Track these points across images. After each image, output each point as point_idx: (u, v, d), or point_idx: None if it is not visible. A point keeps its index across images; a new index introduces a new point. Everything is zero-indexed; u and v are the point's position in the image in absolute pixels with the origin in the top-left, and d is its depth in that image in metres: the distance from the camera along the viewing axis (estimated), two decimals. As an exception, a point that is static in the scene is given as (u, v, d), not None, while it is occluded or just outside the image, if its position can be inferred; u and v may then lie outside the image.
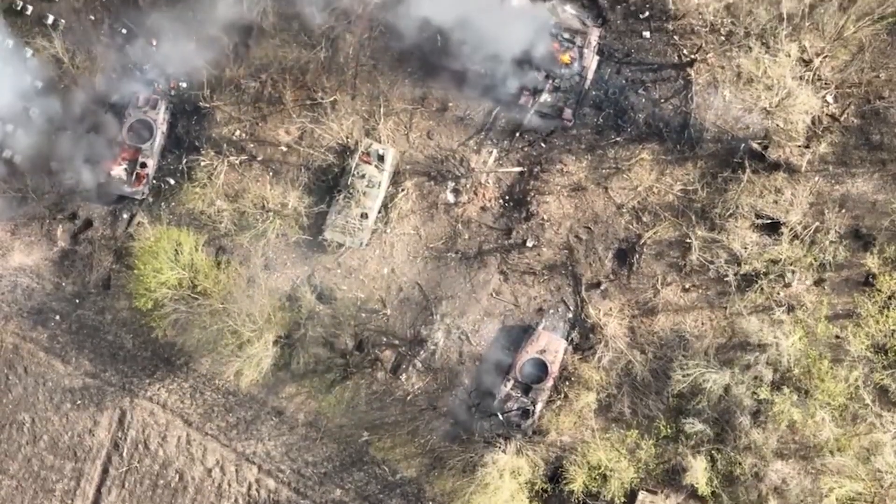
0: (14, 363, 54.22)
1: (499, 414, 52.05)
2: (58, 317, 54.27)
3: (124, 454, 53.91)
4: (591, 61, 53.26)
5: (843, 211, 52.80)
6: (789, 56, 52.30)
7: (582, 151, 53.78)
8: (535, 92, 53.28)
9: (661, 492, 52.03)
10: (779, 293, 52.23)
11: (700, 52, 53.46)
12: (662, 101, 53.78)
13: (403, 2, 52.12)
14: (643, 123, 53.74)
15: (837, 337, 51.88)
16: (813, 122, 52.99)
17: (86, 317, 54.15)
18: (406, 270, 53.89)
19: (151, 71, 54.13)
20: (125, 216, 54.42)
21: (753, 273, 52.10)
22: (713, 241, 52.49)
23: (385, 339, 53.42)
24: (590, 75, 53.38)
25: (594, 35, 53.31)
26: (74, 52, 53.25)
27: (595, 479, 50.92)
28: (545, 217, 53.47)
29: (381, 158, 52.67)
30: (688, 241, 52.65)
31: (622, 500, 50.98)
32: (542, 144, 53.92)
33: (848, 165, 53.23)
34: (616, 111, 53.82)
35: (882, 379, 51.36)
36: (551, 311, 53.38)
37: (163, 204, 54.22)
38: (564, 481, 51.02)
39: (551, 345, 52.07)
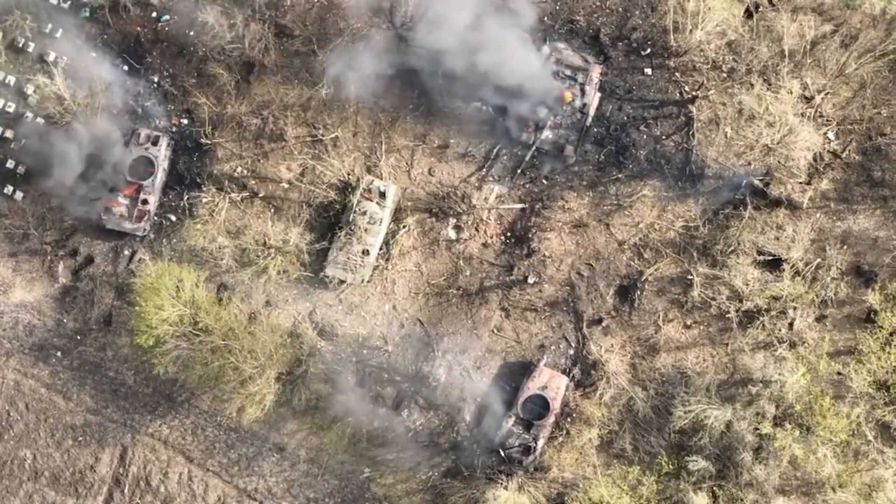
0: (15, 399, 54.16)
1: (500, 450, 52.03)
2: (59, 353, 54.21)
3: (126, 491, 53.83)
4: (593, 98, 53.25)
5: (845, 247, 52.78)
6: (791, 93, 52.39)
7: (583, 188, 53.76)
8: (537, 129, 53.27)
9: (663, 529, 52.11)
10: (780, 330, 52.17)
11: (702, 89, 53.45)
12: (664, 137, 53.77)
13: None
14: (645, 160, 53.73)
15: (839, 373, 51.89)
16: (814, 159, 53.02)
17: (87, 353, 54.10)
18: (407, 307, 53.85)
19: (153, 107, 54.13)
20: (126, 253, 54.37)
21: (755, 310, 52.07)
22: (715, 277, 52.47)
23: (386, 376, 53.37)
24: (591, 112, 53.38)
25: (596, 72, 53.30)
26: (76, 89, 53.15)
27: (597, 516, 51.01)
28: (547, 254, 53.45)
29: (382, 195, 52.66)
30: (689, 277, 52.65)
31: (624, 537, 51.08)
32: (544, 181, 53.90)
33: (849, 202, 53.23)
34: (617, 148, 53.82)
35: (884, 415, 51.38)
36: (553, 347, 53.34)
37: (164, 240, 54.18)
38: (566, 518, 51.12)
39: (553, 381, 52.04)
